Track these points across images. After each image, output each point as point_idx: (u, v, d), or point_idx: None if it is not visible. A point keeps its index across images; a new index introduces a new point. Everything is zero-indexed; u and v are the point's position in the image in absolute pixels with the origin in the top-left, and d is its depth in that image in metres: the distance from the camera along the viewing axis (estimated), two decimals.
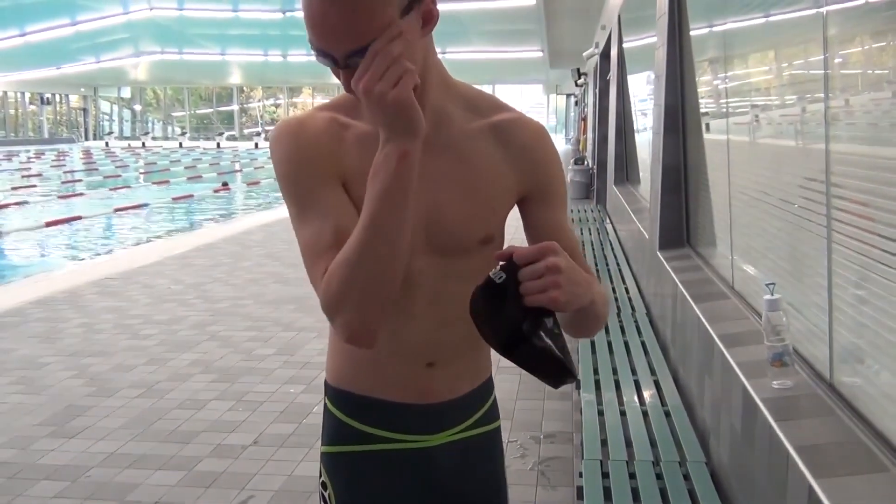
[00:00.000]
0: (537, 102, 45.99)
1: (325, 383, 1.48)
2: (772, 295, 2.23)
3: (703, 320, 3.07)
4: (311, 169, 1.24)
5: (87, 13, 29.35)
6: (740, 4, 3.53)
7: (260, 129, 47.56)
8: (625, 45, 9.50)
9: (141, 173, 25.20)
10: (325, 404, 1.48)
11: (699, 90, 4.47)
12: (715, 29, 4.04)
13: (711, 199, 4.17)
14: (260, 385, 4.71)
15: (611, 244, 8.34)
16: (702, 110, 4.42)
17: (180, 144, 42.32)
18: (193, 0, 29.20)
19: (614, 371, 4.03)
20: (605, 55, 12.44)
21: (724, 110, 3.79)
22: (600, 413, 3.44)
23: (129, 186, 20.53)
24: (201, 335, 5.82)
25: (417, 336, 1.37)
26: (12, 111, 44.44)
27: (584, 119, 21.75)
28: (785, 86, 3.03)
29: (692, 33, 4.49)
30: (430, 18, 1.16)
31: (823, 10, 2.29)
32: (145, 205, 16.32)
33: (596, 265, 7.21)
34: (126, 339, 5.71)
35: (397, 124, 1.10)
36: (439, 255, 1.33)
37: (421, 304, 1.35)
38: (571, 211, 11.97)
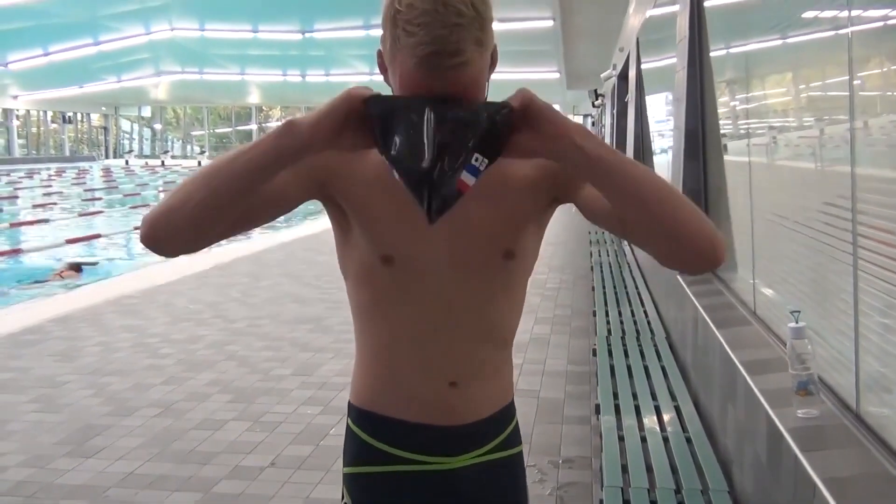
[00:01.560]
0: None
1: (349, 404, 1.50)
2: (796, 323, 2.20)
3: (726, 346, 3.03)
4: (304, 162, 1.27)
5: (109, 33, 29.74)
6: (762, 26, 3.53)
7: None
8: (643, 67, 9.51)
9: (160, 191, 25.42)
10: (348, 424, 1.49)
11: (720, 112, 4.46)
12: (736, 51, 4.03)
13: (732, 223, 4.14)
14: (277, 406, 4.71)
15: (629, 266, 8.30)
16: (723, 133, 4.41)
17: (199, 163, 42.67)
18: (214, 21, 29.53)
19: (634, 396, 3.99)
20: (623, 77, 12.46)
21: (746, 133, 3.77)
22: (621, 439, 3.40)
23: (148, 205, 20.73)
24: (219, 355, 5.83)
25: (440, 352, 1.38)
26: (34, 129, 45.05)
27: None
28: (808, 108, 3.02)
29: (712, 55, 4.49)
30: (496, 60, 1.27)
31: (848, 30, 2.28)
32: None
33: (614, 287, 7.17)
34: (144, 358, 5.73)
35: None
36: (462, 269, 1.34)
37: (443, 319, 1.36)
38: (589, 233, 11.94)
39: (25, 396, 4.87)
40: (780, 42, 3.30)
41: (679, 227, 1.16)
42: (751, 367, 2.72)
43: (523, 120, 1.14)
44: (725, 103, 4.47)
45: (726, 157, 4.23)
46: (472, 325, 1.38)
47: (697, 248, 1.16)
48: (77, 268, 11.12)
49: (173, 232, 1.19)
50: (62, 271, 10.97)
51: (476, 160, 1.11)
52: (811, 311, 2.56)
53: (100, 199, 21.92)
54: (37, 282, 10.62)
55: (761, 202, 3.42)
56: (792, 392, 2.23)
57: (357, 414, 1.47)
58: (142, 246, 1.21)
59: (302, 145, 1.15)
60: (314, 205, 1.46)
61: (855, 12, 2.23)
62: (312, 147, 1.15)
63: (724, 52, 4.38)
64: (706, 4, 4.58)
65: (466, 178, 1.11)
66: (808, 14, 2.87)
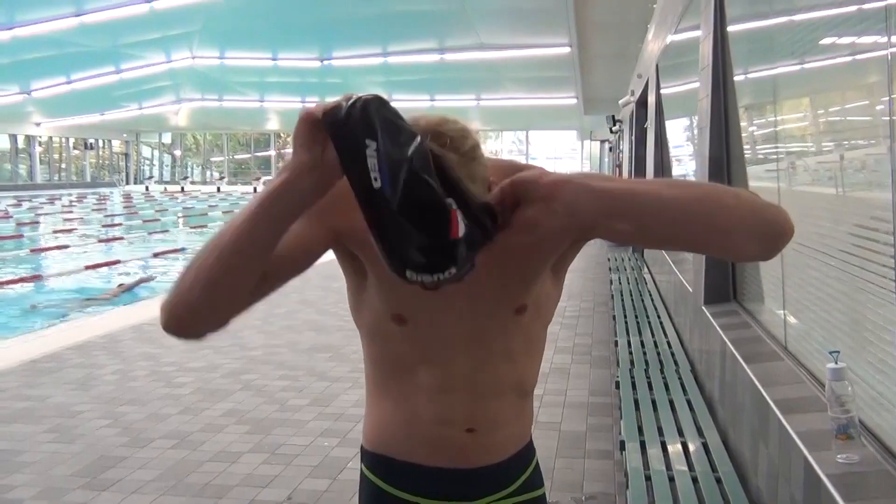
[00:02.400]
0: (571, 148, 46.04)
1: (362, 448, 1.45)
2: (836, 363, 2.11)
3: (757, 383, 2.93)
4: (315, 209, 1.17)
5: (131, 62, 30.14)
6: (788, 49, 3.46)
7: None
8: (663, 92, 9.46)
9: (179, 217, 25.59)
10: (362, 471, 1.44)
11: (745, 136, 4.38)
12: (762, 75, 3.96)
13: None
14: (293, 437, 4.63)
15: (650, 294, 8.19)
16: (749, 158, 4.32)
17: (218, 189, 43.01)
18: (234, 49, 29.87)
19: (659, 431, 3.88)
20: (642, 103, 12.41)
21: (775, 158, 3.68)
22: (647, 478, 3.30)
23: (167, 230, 20.85)
24: (235, 384, 5.77)
25: (458, 404, 1.34)
26: (56, 155, 45.64)
27: (619, 166, 21.68)
28: (842, 131, 2.94)
29: (737, 79, 4.42)
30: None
31: (888, 52, 2.21)
32: (183, 249, 16.52)
33: (636, 316, 7.07)
34: (161, 387, 5.69)
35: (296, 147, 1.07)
36: (476, 328, 1.31)
37: (462, 373, 1.33)
38: (609, 259, 11.83)
39: (41, 426, 4.83)
40: (810, 65, 3.23)
41: (726, 232, 1.04)
42: (784, 406, 2.62)
43: (514, 199, 1.07)
44: (751, 128, 4.39)
45: (753, 184, 4.14)
46: (491, 381, 1.35)
47: (757, 241, 1.06)
48: (129, 287, 11.57)
49: (193, 315, 1.11)
50: (115, 290, 11.42)
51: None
52: (850, 348, 2.46)
53: (119, 224, 22.06)
54: (91, 299, 11.06)
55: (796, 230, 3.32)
56: (831, 435, 2.14)
57: (370, 459, 1.42)
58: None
59: (289, 179, 1.07)
60: None
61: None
62: (301, 177, 1.06)
63: (749, 76, 4.31)
64: (730, 30, 4.52)
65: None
66: (842, 37, 2.80)
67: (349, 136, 1.00)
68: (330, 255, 1.32)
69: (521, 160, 1.44)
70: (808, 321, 3.08)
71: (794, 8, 3.46)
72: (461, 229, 0.99)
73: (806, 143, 3.60)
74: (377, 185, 0.97)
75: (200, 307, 1.09)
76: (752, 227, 1.04)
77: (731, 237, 1.05)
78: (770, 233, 1.05)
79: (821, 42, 3.05)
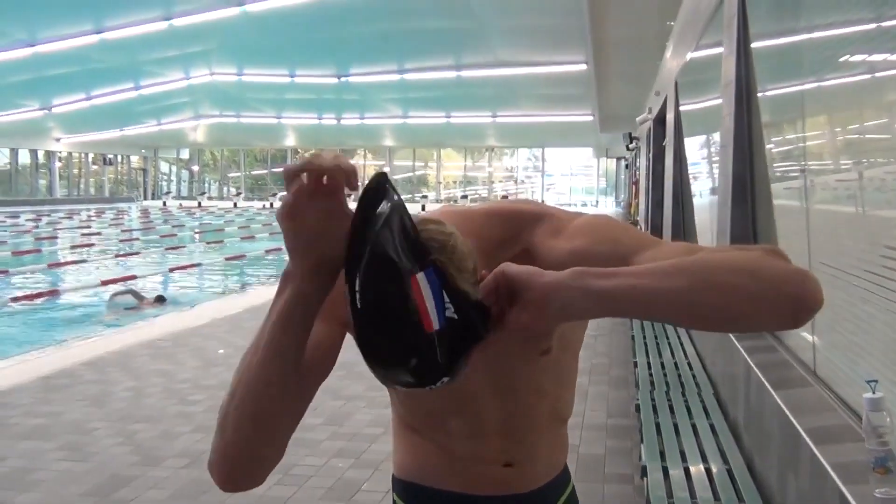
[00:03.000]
0: (586, 165, 45.98)
1: (393, 477, 1.41)
2: (874, 393, 2.02)
3: (786, 410, 2.84)
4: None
5: (151, 78, 30.46)
6: (815, 66, 3.39)
7: None
8: (682, 110, 9.38)
9: (196, 233, 25.70)
10: (394, 499, 1.41)
11: (772, 154, 4.30)
12: (787, 91, 3.88)
13: None
14: (307, 458, 4.56)
15: None
16: (775, 177, 4.23)
17: (235, 204, 43.25)
18: (252, 66, 30.11)
19: (682, 456, 3.78)
20: (660, 120, 12.34)
21: (803, 176, 3.59)
22: None
23: (183, 246, 20.93)
24: None
25: (494, 445, 1.32)
26: (76, 171, 46.10)
27: (636, 183, 21.58)
28: (871, 150, 2.85)
29: (762, 95, 4.35)
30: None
31: None
32: (198, 265, 16.55)
33: (655, 336, 6.96)
34: (174, 405, 5.64)
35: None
36: (503, 375, 1.28)
37: (495, 419, 1.31)
38: None
39: (54, 443, 4.79)
40: (839, 81, 3.15)
41: (745, 316, 0.94)
42: (816, 436, 2.52)
43: (508, 292, 0.96)
44: (778, 145, 4.31)
45: (779, 203, 4.05)
46: (525, 420, 1.33)
47: (778, 320, 0.97)
48: (161, 299, 11.90)
49: (246, 465, 1.03)
50: (147, 301, 11.76)
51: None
52: (886, 376, 2.36)
53: (137, 239, 22.18)
54: (127, 308, 11.44)
55: (821, 250, 3.22)
56: (868, 468, 2.04)
57: (402, 487, 1.39)
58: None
59: (295, 272, 1.01)
60: None
61: None
62: (306, 261, 1.00)
63: (774, 93, 4.23)
64: (754, 46, 4.45)
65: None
66: (872, 54, 2.72)
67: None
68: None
69: (530, 200, 1.36)
70: (839, 346, 2.98)
71: (820, 24, 3.38)
72: (434, 320, 0.89)
73: (833, 161, 3.51)
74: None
75: (252, 453, 1.03)
76: (774, 308, 0.93)
77: (749, 321, 0.97)
78: (794, 308, 0.94)
79: (851, 59, 2.97)
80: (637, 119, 15.62)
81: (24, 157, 42.19)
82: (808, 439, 2.53)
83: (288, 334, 1.01)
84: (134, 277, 14.17)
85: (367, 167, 49.70)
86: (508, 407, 1.31)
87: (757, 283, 0.92)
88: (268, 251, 18.72)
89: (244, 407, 1.01)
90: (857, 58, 2.91)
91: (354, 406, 5.59)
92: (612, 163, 41.37)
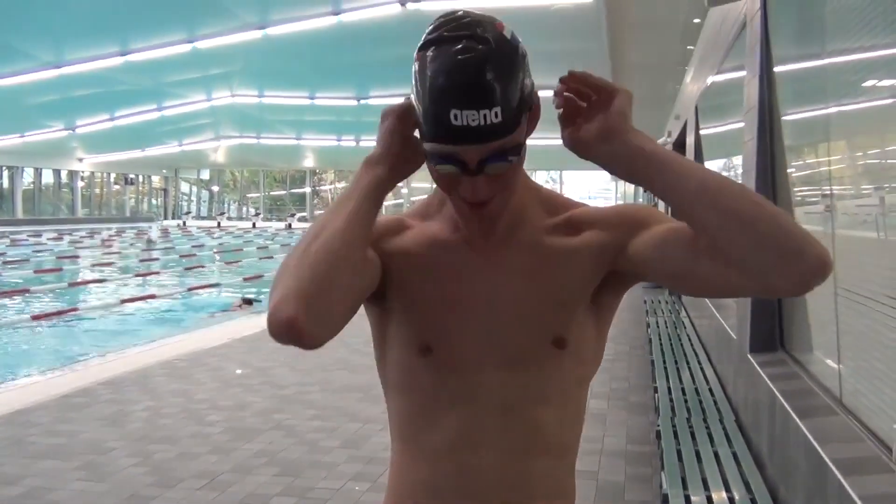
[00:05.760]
0: (604, 188, 45.94)
1: None
2: None
3: (812, 439, 2.78)
4: None
5: (173, 100, 30.83)
6: (840, 89, 3.36)
7: None
8: (702, 133, 9.35)
9: (215, 252, 25.85)
10: None
11: (794, 178, 4.26)
12: (813, 115, 3.85)
13: (807, 300, 3.90)
14: (324, 481, 4.53)
15: (689, 338, 7.99)
16: (798, 201, 4.19)
17: (254, 225, 43.51)
18: (272, 88, 30.40)
19: (704, 485, 3.71)
20: (680, 144, 12.30)
21: (829, 202, 3.55)
22: None
23: (203, 266, 21.05)
24: (266, 423, 5.70)
25: (488, 470, 1.20)
26: (98, 190, 46.64)
27: (654, 206, 21.48)
28: None
29: (785, 119, 4.31)
30: (535, 120, 1.17)
31: None
32: (217, 284, 16.63)
33: (675, 361, 6.88)
34: (191, 426, 5.63)
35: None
36: (507, 366, 1.19)
37: (490, 430, 1.19)
38: (644, 302, 11.63)
39: (72, 463, 4.79)
40: (866, 104, 3.12)
41: (767, 228, 0.98)
42: (844, 467, 2.46)
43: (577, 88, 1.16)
44: (800, 169, 4.27)
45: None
46: (523, 432, 1.20)
47: (796, 250, 0.97)
48: (249, 302, 12.88)
49: (321, 305, 1.05)
50: (238, 304, 12.85)
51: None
52: None
53: (156, 259, 22.35)
54: (223, 311, 12.58)
55: (846, 277, 3.18)
56: None
57: None
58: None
59: (382, 174, 1.18)
60: None
61: None
62: (390, 157, 1.19)
63: (798, 117, 4.20)
64: (776, 70, 4.43)
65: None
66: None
67: None
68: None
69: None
70: (865, 374, 2.93)
71: (843, 49, 3.36)
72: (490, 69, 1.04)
73: (855, 186, 3.48)
74: None
75: (315, 299, 1.05)
76: (795, 230, 0.98)
77: (777, 226, 0.99)
78: (810, 248, 0.97)
79: (875, 84, 2.95)
80: (657, 142, 15.60)
81: (48, 177, 42.76)
82: (835, 470, 2.47)
83: (373, 206, 1.14)
84: (153, 297, 14.27)
85: None
86: (509, 401, 1.20)
87: (777, 217, 0.99)
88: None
89: (323, 254, 1.06)
90: (881, 83, 2.88)
91: (372, 429, 5.56)
92: (630, 186, 41.30)
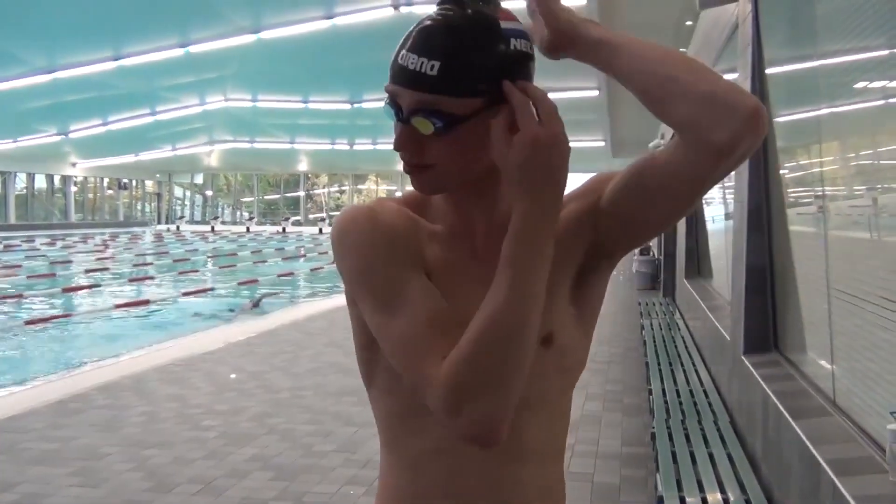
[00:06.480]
0: None
1: None
2: None
3: (806, 440, 2.79)
4: (393, 254, 1.11)
5: (166, 104, 30.78)
6: (831, 90, 3.38)
7: (325, 214, 48.63)
8: None
9: (209, 257, 25.80)
10: None
11: (787, 179, 4.28)
12: (805, 116, 3.87)
13: (800, 301, 3.92)
14: (319, 485, 4.53)
15: (683, 340, 8.01)
16: (791, 202, 4.21)
17: (247, 229, 43.47)
18: (266, 92, 30.39)
19: (699, 486, 3.72)
20: None
21: (821, 202, 3.57)
22: None
23: (196, 270, 21.01)
24: (261, 428, 5.69)
25: (477, 477, 1.17)
26: (91, 195, 46.53)
27: None
28: (894, 176, 2.83)
29: (777, 121, 4.33)
30: (499, 127, 1.10)
31: None
32: (211, 289, 16.59)
33: (669, 363, 6.90)
34: (187, 430, 5.62)
35: (542, 170, 1.12)
36: None
37: None
38: (639, 304, 11.65)
39: (66, 469, 4.78)
40: (855, 106, 3.14)
41: (709, 85, 1.01)
42: (838, 467, 2.47)
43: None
44: (793, 170, 4.29)
45: (796, 229, 4.02)
46: (514, 439, 1.14)
47: (735, 105, 1.00)
48: (256, 303, 13.28)
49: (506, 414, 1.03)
50: (247, 305, 13.18)
51: None
52: None
53: (150, 264, 22.30)
54: (231, 310, 12.87)
55: (839, 277, 3.19)
56: (893, 501, 2.00)
57: None
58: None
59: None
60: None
61: None
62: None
63: (790, 119, 4.22)
64: (768, 72, 4.45)
65: None
66: (890, 79, 2.71)
67: None
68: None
69: None
70: (859, 374, 2.94)
71: (835, 50, 3.38)
72: None
73: (848, 187, 3.49)
74: None
75: (510, 409, 1.03)
76: (736, 89, 1.02)
77: (718, 85, 1.02)
78: (752, 105, 1.00)
79: (866, 85, 2.97)
80: (650, 145, 15.61)
81: (41, 182, 42.63)
82: (829, 471, 2.48)
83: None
84: (147, 302, 14.23)
85: (378, 192, 49.89)
86: None
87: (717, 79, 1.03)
88: (280, 275, 18.79)
89: (526, 361, 1.04)
90: (872, 84, 2.90)
91: (367, 433, 5.55)
92: None
